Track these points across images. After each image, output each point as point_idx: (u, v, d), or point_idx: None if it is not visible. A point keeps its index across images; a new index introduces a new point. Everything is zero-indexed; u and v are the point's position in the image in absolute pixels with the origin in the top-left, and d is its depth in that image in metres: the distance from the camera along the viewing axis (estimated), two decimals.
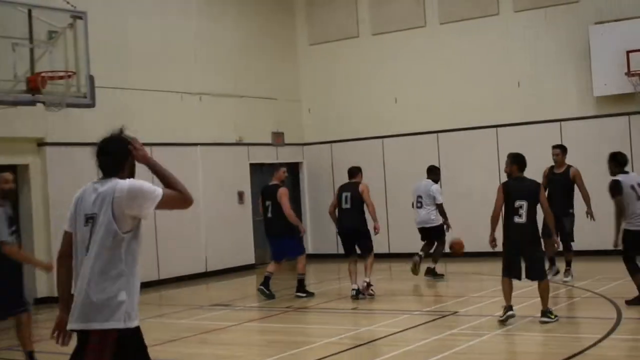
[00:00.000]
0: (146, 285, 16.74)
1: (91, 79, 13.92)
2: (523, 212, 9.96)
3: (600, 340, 9.20)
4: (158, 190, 5.21)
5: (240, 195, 19.40)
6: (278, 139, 20.77)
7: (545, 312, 10.19)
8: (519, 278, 10.33)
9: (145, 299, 15.31)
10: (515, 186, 10.23)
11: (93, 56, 14.28)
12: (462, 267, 16.78)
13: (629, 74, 17.02)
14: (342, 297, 13.97)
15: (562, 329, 10.15)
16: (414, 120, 19.98)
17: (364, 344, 9.88)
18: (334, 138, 21.12)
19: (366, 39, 20.74)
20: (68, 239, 5.31)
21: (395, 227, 19.80)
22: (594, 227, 16.97)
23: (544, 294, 10.18)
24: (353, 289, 13.35)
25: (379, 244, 18.72)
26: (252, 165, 19.96)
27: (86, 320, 5.05)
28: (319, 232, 21.25)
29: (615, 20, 17.52)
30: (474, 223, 18.02)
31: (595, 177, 17.43)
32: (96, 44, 14.66)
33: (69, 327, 5.18)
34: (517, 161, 10.40)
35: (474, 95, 19.25)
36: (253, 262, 19.59)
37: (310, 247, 21.48)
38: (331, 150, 21.09)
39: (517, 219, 10.03)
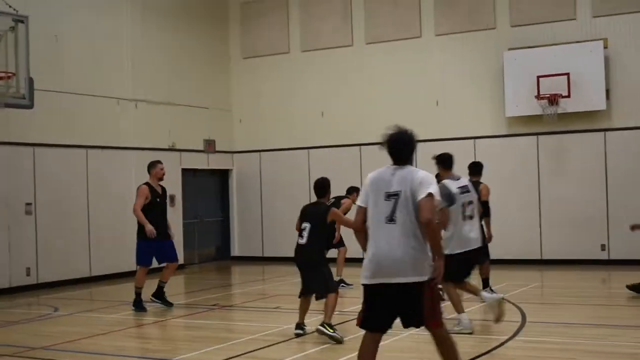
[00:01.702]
0: (78, 282, 16.52)
1: (30, 81, 13.58)
2: (305, 233, 9.70)
3: (506, 341, 9.29)
4: (437, 194, 6.07)
5: (172, 198, 19.11)
6: (209, 146, 20.59)
7: (324, 324, 9.58)
8: (307, 295, 10.01)
9: (77, 295, 15.14)
10: (307, 210, 9.99)
11: (33, 59, 13.99)
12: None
13: (538, 97, 17.34)
14: (266, 297, 13.88)
15: (474, 331, 10.22)
16: (339, 133, 20.01)
17: (288, 340, 9.78)
18: (262, 147, 21.03)
19: (296, 54, 20.72)
20: (362, 212, 6.18)
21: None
22: (507, 237, 17.34)
23: (326, 307, 9.66)
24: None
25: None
26: (184, 170, 19.75)
27: (405, 275, 5.92)
28: (245, 235, 21.19)
29: (528, 47, 17.83)
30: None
31: (504, 191, 17.81)
32: (35, 48, 14.35)
33: (378, 281, 5.99)
34: (314, 187, 10.14)
35: (396, 112, 19.30)
36: (182, 262, 19.30)
37: (237, 249, 21.38)
38: (260, 158, 20.99)
39: (299, 240, 9.81)
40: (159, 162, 13.04)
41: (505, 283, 14.56)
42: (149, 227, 12.38)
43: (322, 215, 9.78)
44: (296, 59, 20.72)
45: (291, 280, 16.59)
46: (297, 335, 9.92)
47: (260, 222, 20.94)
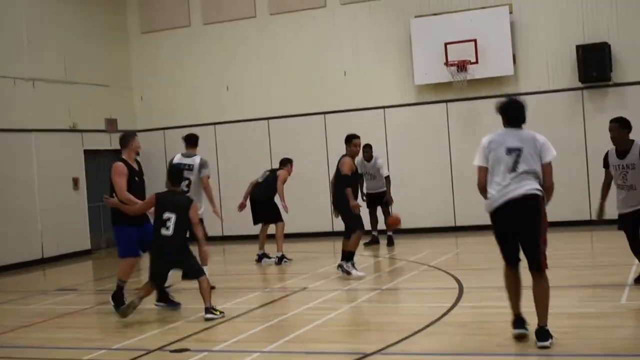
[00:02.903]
0: None
1: None
2: (171, 224, 9.42)
3: (451, 308, 9.22)
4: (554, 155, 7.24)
5: (75, 181, 18.42)
6: (111, 125, 19.83)
7: (209, 309, 9.52)
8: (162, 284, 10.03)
9: None
10: (167, 199, 9.63)
11: None
12: (290, 247, 16.37)
13: (447, 64, 17.38)
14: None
15: (413, 299, 10.16)
16: (246, 107, 19.63)
17: (226, 321, 9.44)
18: (166, 125, 20.42)
19: (198, 28, 20.16)
20: (484, 171, 7.31)
21: (230, 212, 19.39)
22: (421, 205, 17.46)
23: (202, 292, 9.54)
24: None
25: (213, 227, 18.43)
26: (86, 151, 18.98)
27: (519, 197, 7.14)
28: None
29: (434, 14, 17.83)
30: (303, 205, 17.98)
31: (416, 159, 17.91)
32: None
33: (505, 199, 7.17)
34: (170, 175, 9.94)
35: (303, 84, 19.12)
36: (89, 247, 18.67)
37: None
38: (164, 137, 20.38)
39: (164, 232, 9.44)
40: (134, 133, 11.07)
41: (427, 251, 14.60)
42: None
43: (186, 207, 9.57)
44: (198, 32, 20.15)
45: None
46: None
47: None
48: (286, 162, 14.88)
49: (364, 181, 15.86)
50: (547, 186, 7.26)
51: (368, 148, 15.80)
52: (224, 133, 19.85)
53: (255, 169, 18.42)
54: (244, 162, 19.34)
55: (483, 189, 7.37)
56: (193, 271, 9.64)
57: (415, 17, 17.91)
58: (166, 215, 9.44)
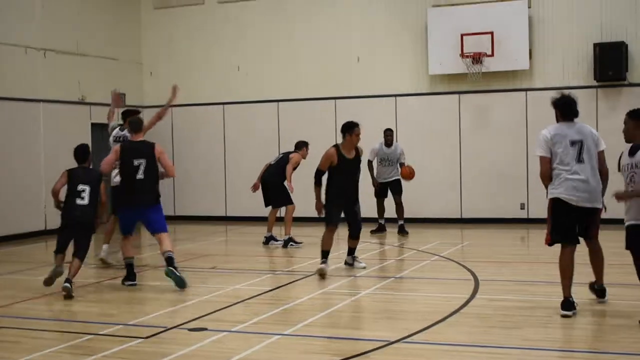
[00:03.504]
0: None
1: None
2: (86, 195, 10.14)
3: (470, 300, 9.13)
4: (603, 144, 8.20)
5: None
6: (119, 100, 19.63)
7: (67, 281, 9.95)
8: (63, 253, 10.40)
9: None
10: (80, 173, 10.30)
11: None
12: (298, 231, 16.25)
13: (462, 55, 17.25)
14: (196, 257, 13.35)
15: (429, 289, 10.03)
16: (256, 89, 19.47)
17: (240, 302, 9.34)
18: (175, 102, 20.18)
19: (212, 6, 19.95)
20: (548, 162, 8.08)
21: (233, 192, 19.31)
22: (428, 196, 17.38)
23: (72, 268, 10.19)
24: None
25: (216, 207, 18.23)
26: (93, 124, 18.81)
27: (595, 202, 8.05)
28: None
29: (452, 5, 17.69)
30: (311, 190, 17.80)
31: (425, 150, 17.80)
32: None
33: (585, 205, 8.06)
34: (77, 153, 10.46)
35: (315, 68, 18.97)
36: None
37: None
38: (172, 113, 20.17)
39: (79, 201, 10.13)
40: None
41: (436, 242, 14.51)
42: None
43: (98, 180, 10.30)
44: (212, 10, 19.95)
45: (214, 239, 16.17)
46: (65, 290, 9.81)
47: (171, 179, 20.18)
48: (301, 145, 14.73)
49: (374, 168, 15.69)
50: (604, 172, 8.12)
51: (389, 132, 15.71)
52: (232, 113, 19.71)
53: (262, 151, 18.38)
54: (252, 143, 19.25)
55: (547, 178, 8.11)
56: (85, 250, 10.38)
57: (433, 6, 17.76)
58: (80, 187, 10.13)
